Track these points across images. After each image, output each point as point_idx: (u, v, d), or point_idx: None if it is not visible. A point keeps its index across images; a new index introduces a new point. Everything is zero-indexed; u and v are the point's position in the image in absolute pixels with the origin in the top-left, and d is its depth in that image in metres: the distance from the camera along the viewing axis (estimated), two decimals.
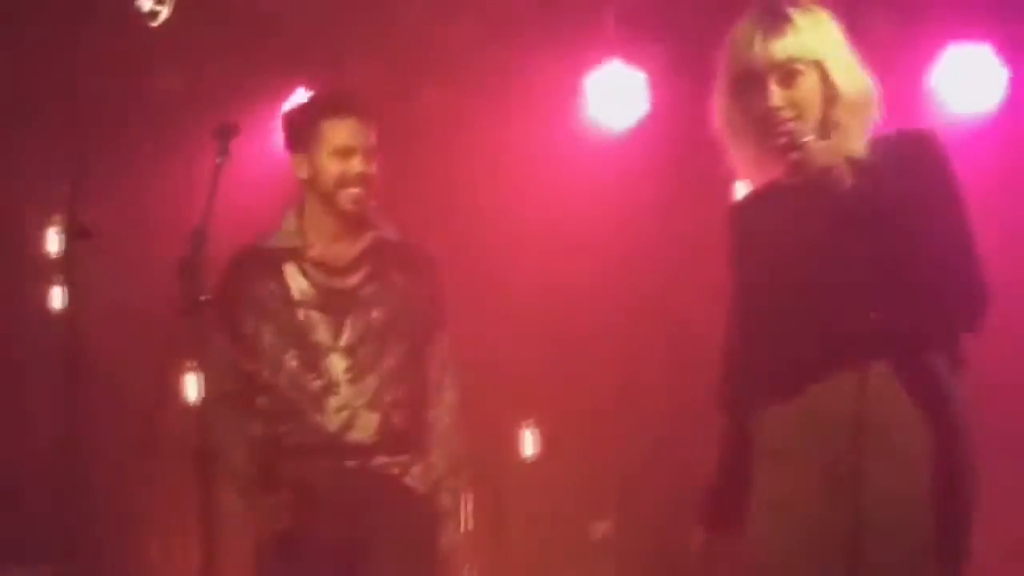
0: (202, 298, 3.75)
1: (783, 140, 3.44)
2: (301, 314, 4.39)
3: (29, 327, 6.91)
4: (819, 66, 3.49)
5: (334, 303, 4.40)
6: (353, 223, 4.44)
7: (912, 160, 3.45)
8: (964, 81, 6.76)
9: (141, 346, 5.31)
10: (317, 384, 4.35)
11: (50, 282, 6.96)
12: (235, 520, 4.37)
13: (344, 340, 4.37)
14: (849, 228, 3.37)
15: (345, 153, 4.40)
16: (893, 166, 3.40)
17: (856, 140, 3.47)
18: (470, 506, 4.57)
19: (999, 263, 6.69)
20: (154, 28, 4.68)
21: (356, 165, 4.40)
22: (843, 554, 3.35)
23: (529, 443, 7.41)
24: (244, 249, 4.50)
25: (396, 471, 4.41)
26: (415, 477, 4.44)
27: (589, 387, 7.21)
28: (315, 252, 4.45)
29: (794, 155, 3.42)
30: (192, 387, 6.69)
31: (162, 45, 6.26)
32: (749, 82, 3.51)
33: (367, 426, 4.35)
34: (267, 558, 4.42)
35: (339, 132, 4.41)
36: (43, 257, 6.96)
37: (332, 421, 4.34)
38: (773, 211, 3.55)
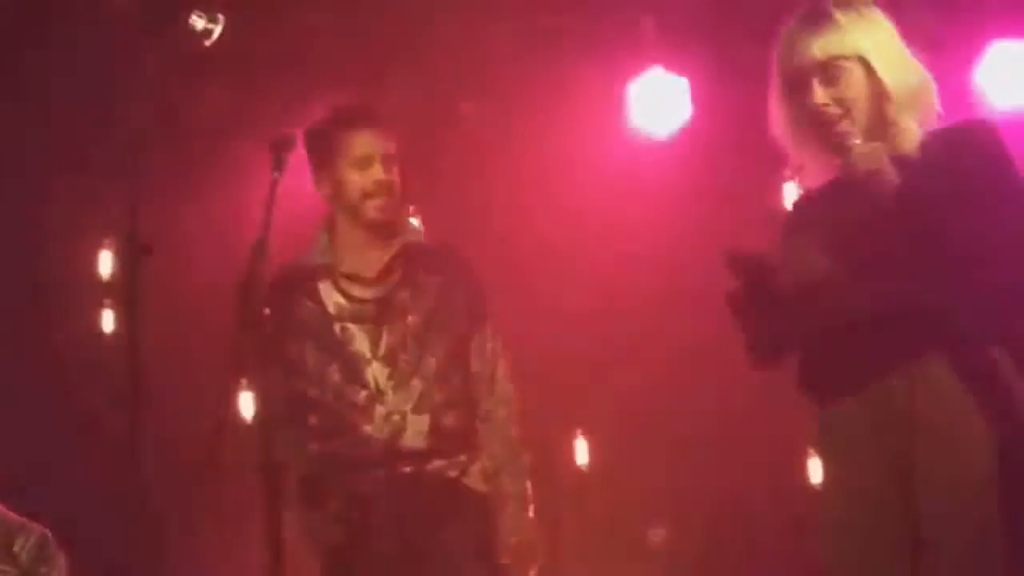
0: (265, 311, 3.77)
1: (835, 139, 3.49)
2: (338, 328, 4.41)
3: (86, 349, 6.96)
4: (864, 63, 3.51)
5: (369, 314, 4.41)
6: (381, 232, 4.45)
7: (963, 154, 3.44)
8: (1009, 78, 6.76)
9: (202, 365, 5.32)
10: (363, 395, 4.36)
11: (103, 304, 7.01)
12: (302, 536, 4.38)
13: (383, 349, 4.37)
14: (899, 227, 3.38)
15: (364, 163, 4.41)
16: (944, 162, 3.41)
17: (909, 137, 3.49)
18: (531, 491, 4.51)
19: None
20: (207, 46, 4.71)
21: (376, 173, 4.40)
22: (910, 543, 3.40)
23: (582, 452, 7.42)
24: (281, 271, 4.49)
25: (454, 473, 4.39)
26: (474, 477, 4.42)
27: (642, 394, 7.21)
28: (346, 266, 4.46)
29: (842, 158, 3.46)
30: (249, 404, 6.79)
31: (214, 62, 6.29)
32: (796, 83, 3.56)
33: (418, 430, 4.34)
34: (330, 572, 4.42)
35: (356, 143, 4.42)
36: (97, 278, 7.01)
37: (382, 429, 4.33)
38: (827, 211, 3.56)
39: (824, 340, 3.53)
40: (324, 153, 4.45)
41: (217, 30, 4.81)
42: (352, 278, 4.45)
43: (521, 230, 7.19)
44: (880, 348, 3.43)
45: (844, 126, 3.49)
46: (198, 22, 4.79)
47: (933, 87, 3.61)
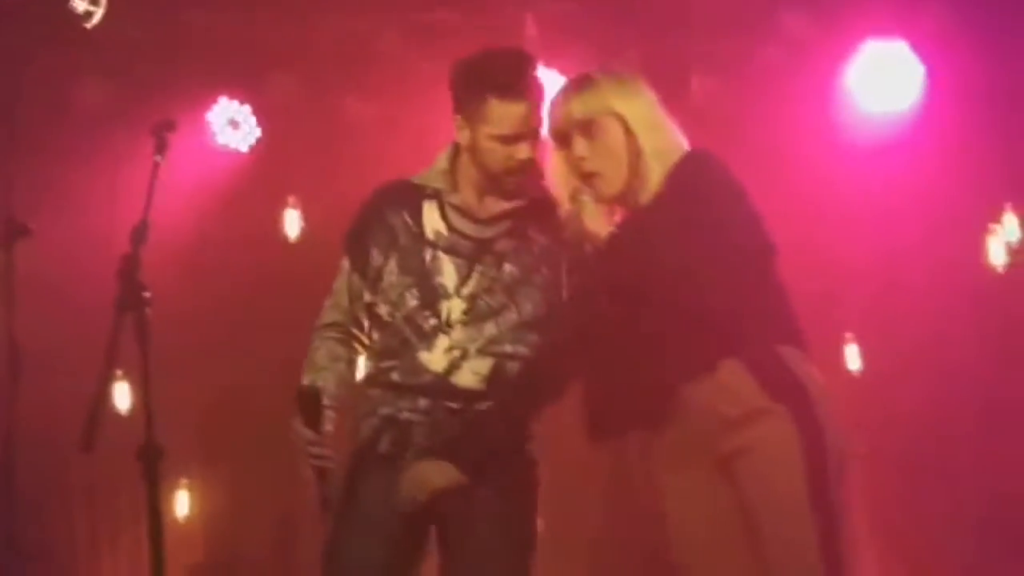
0: (144, 294, 3.72)
1: (581, 191, 3.79)
2: (429, 255, 4.18)
3: None
4: (622, 122, 3.77)
5: (466, 249, 4.17)
6: (507, 195, 4.19)
7: (679, 188, 3.71)
8: (881, 78, 6.91)
9: (81, 348, 5.28)
10: (431, 323, 4.14)
11: None
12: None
13: (469, 288, 4.14)
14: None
15: (510, 140, 4.10)
16: (667, 198, 3.71)
17: (648, 185, 3.76)
18: None
19: (920, 255, 6.92)
20: (86, 30, 4.66)
21: (521, 152, 4.10)
22: (746, 537, 3.65)
23: None
24: (390, 183, 4.29)
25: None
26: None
27: None
28: (459, 199, 4.21)
29: (569, 208, 3.81)
30: (123, 396, 6.76)
31: (92, 48, 6.26)
32: (562, 138, 3.82)
33: (476, 370, 4.10)
34: (354, 476, 4.20)
35: (507, 118, 4.10)
36: None
37: (439, 360, 4.11)
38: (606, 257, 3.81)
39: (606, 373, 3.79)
40: (469, 106, 4.12)
41: (98, 13, 4.74)
42: (461, 211, 4.19)
43: None
44: (676, 357, 3.67)
45: (591, 182, 3.77)
46: (79, 4, 4.72)
47: (683, 140, 3.85)
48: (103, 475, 6.64)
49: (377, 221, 4.25)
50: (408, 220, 4.23)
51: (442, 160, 4.27)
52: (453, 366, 4.13)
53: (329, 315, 4.31)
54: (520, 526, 4.18)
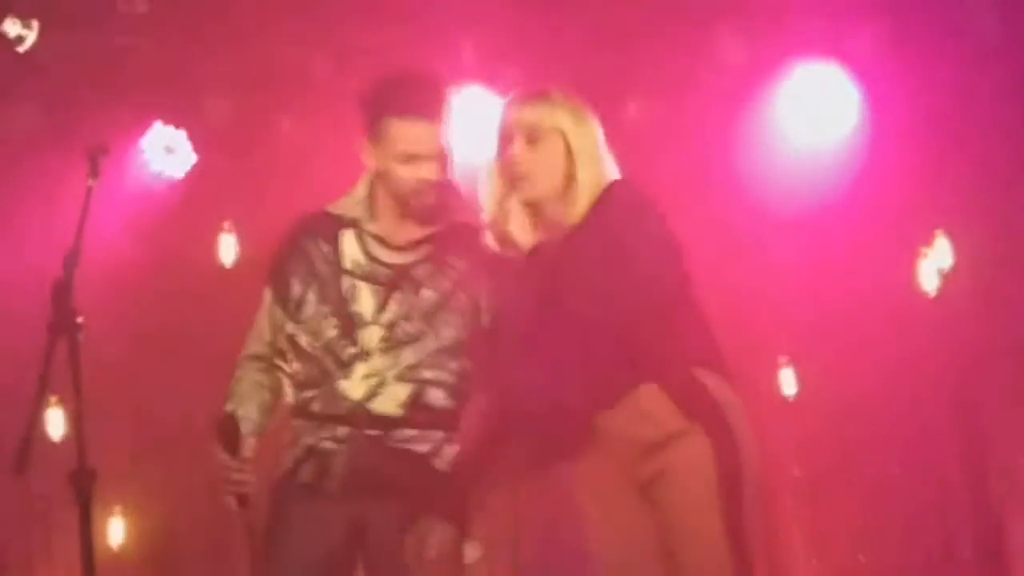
0: (77, 320, 3.70)
1: (513, 187, 3.84)
2: (347, 283, 4.18)
3: None
4: (564, 139, 3.85)
5: (383, 277, 4.17)
6: (421, 220, 4.18)
7: (602, 217, 3.77)
8: (813, 100, 6.96)
9: (13, 372, 5.24)
10: (350, 351, 4.13)
11: None
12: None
13: (386, 315, 4.14)
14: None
15: (411, 159, 4.13)
16: (598, 219, 3.77)
17: (574, 210, 3.82)
18: None
19: (853, 279, 6.97)
20: (18, 54, 4.63)
21: (423, 171, 4.12)
22: (661, 561, 3.72)
23: None
24: (309, 214, 4.29)
25: (425, 449, 4.14)
26: (446, 459, 4.17)
27: None
28: (377, 227, 4.22)
29: (494, 212, 3.86)
30: (57, 423, 6.71)
31: (25, 72, 6.23)
32: (504, 140, 3.89)
33: (394, 397, 4.10)
34: (280, 505, 4.20)
35: (406, 136, 4.13)
36: None
37: (357, 388, 4.11)
38: (526, 271, 3.85)
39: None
40: (372, 130, 4.16)
41: (31, 37, 4.71)
42: (378, 238, 4.20)
43: None
44: (593, 384, 3.73)
45: (519, 184, 3.82)
46: (11, 28, 4.68)
47: (615, 169, 3.92)
48: (36, 502, 6.59)
49: (296, 252, 4.25)
50: (326, 250, 4.23)
51: (360, 188, 4.27)
52: (371, 393, 4.13)
53: (252, 346, 4.32)
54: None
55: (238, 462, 4.12)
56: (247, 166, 7.29)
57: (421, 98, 4.16)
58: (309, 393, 4.20)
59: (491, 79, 6.94)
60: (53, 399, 5.88)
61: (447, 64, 6.88)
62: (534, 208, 3.85)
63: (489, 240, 3.91)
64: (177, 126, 7.24)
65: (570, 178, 3.84)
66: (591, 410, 3.74)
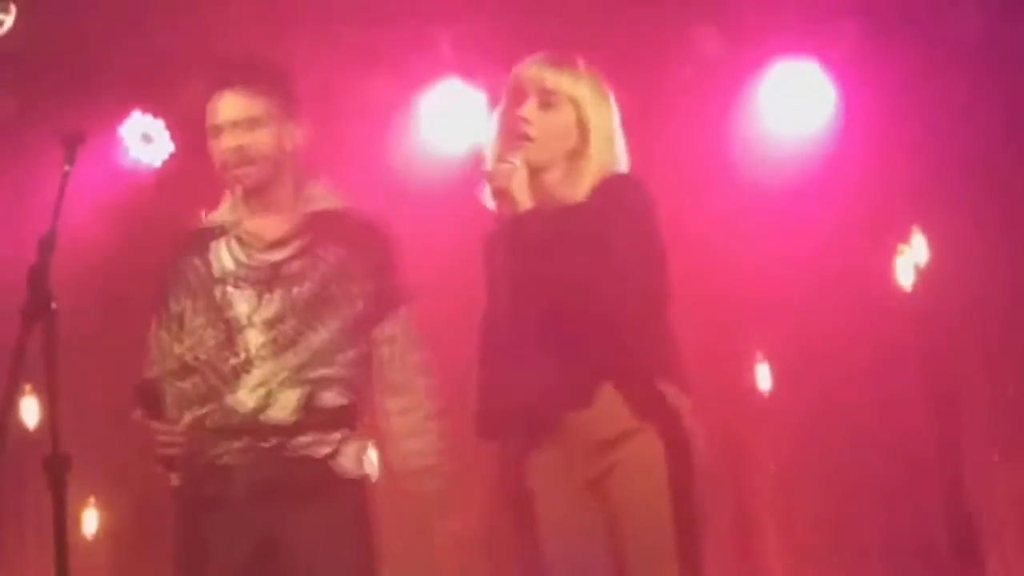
0: (52, 306, 3.69)
1: (517, 146, 3.78)
2: (220, 291, 4.20)
3: None
4: (578, 111, 3.82)
5: (255, 278, 4.19)
6: (275, 197, 4.25)
7: (603, 206, 3.75)
8: (791, 97, 6.97)
9: None
10: (233, 362, 4.14)
11: None
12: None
13: (262, 315, 4.15)
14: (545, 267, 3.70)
15: (216, 133, 4.21)
16: (603, 204, 3.74)
17: (583, 190, 3.79)
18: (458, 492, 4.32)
19: (830, 275, 6.99)
20: None
21: (225, 141, 4.20)
22: (609, 555, 3.73)
23: None
24: (181, 232, 4.36)
25: (324, 452, 4.14)
26: (349, 459, 4.18)
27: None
28: (245, 227, 4.25)
29: (496, 167, 3.79)
30: (31, 411, 6.68)
31: (2, 56, 6.20)
32: (516, 95, 3.85)
33: (286, 404, 4.10)
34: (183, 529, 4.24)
35: (212, 110, 4.23)
36: None
37: (248, 399, 4.12)
38: (507, 242, 3.79)
39: (507, 378, 3.78)
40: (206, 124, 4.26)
41: (8, 20, 4.69)
42: (247, 240, 4.23)
43: None
44: (559, 381, 3.71)
45: (523, 144, 3.77)
46: None
47: (625, 160, 3.91)
48: (9, 489, 6.56)
49: (172, 272, 4.29)
50: (198, 263, 4.26)
51: (228, 198, 4.31)
52: (263, 403, 4.14)
53: (158, 369, 4.31)
54: (357, 548, 4.17)
55: (164, 426, 4.11)
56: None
57: (227, 72, 4.24)
58: (202, 410, 4.18)
59: (469, 72, 6.93)
60: (27, 387, 5.84)
61: (425, 57, 6.88)
62: (535, 174, 3.80)
63: (485, 196, 3.84)
64: (155, 115, 7.21)
65: (577, 153, 3.79)
66: (563, 407, 3.73)
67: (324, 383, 4.15)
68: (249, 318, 4.17)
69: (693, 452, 3.68)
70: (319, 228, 4.24)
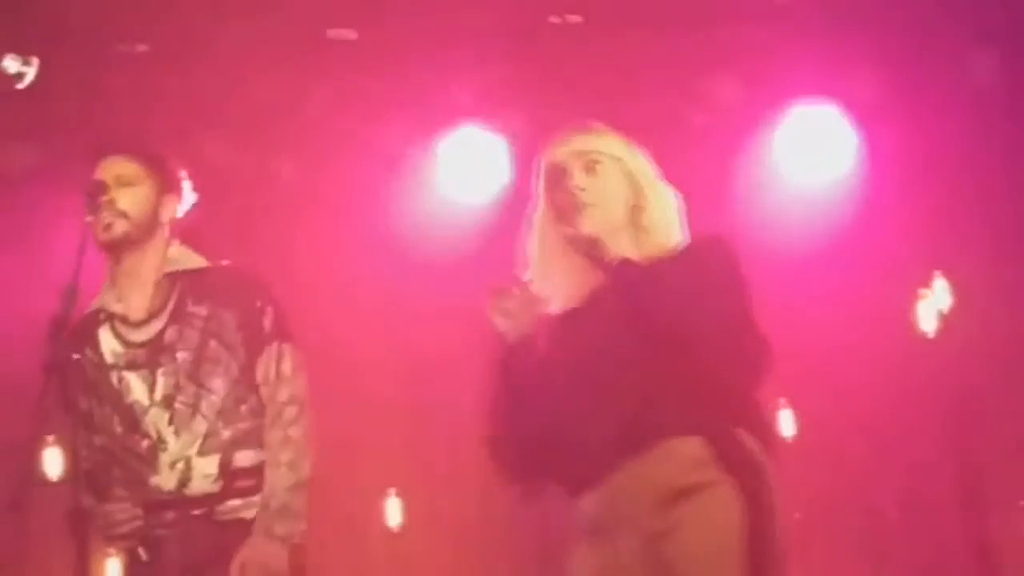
0: (74, 356, 3.70)
1: (580, 220, 3.67)
2: (115, 377, 4.24)
3: None
4: (622, 166, 3.74)
5: (143, 357, 4.23)
6: (135, 263, 4.27)
7: (700, 268, 3.64)
8: (810, 141, 6.96)
9: (8, 410, 5.21)
10: (144, 444, 4.18)
11: None
12: None
13: (159, 393, 4.19)
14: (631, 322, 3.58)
15: (94, 189, 4.22)
16: (685, 272, 3.63)
17: (657, 243, 3.72)
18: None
19: (852, 320, 6.96)
20: (16, 91, 4.64)
21: (104, 194, 4.21)
22: None
23: (394, 512, 7.40)
24: (74, 322, 4.21)
25: (251, 514, 4.16)
26: None
27: (450, 455, 7.22)
28: (118, 307, 4.29)
29: (574, 228, 3.66)
30: (55, 462, 6.67)
31: (22, 109, 6.24)
32: (558, 175, 3.74)
33: (206, 474, 4.15)
34: None
35: (98, 171, 4.30)
36: None
37: (168, 479, 4.15)
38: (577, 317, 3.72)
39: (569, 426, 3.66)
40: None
41: (31, 73, 4.71)
42: (124, 321, 4.27)
43: (322, 288, 7.18)
44: (635, 431, 3.58)
45: (587, 212, 3.67)
46: (11, 65, 4.68)
47: (681, 208, 3.83)
48: (33, 541, 6.56)
49: (70, 367, 4.18)
50: (90, 354, 4.28)
51: (107, 283, 4.33)
52: (184, 479, 4.17)
53: (74, 465, 4.15)
54: None
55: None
56: (245, 205, 7.28)
57: (110, 144, 4.37)
58: (123, 491, 4.19)
59: (488, 119, 6.95)
60: (50, 438, 5.85)
61: (443, 104, 6.89)
62: (594, 244, 3.69)
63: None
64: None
65: (637, 208, 3.73)
66: (622, 454, 3.59)
67: (234, 443, 4.19)
68: (147, 401, 4.21)
69: (775, 509, 3.53)
70: (184, 289, 4.29)
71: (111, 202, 4.21)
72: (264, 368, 4.25)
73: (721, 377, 3.58)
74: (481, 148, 7.01)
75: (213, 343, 4.23)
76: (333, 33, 6.83)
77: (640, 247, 3.71)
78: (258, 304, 4.30)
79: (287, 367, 4.27)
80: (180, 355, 4.21)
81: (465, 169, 7.07)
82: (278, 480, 4.15)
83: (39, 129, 6.74)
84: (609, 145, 3.77)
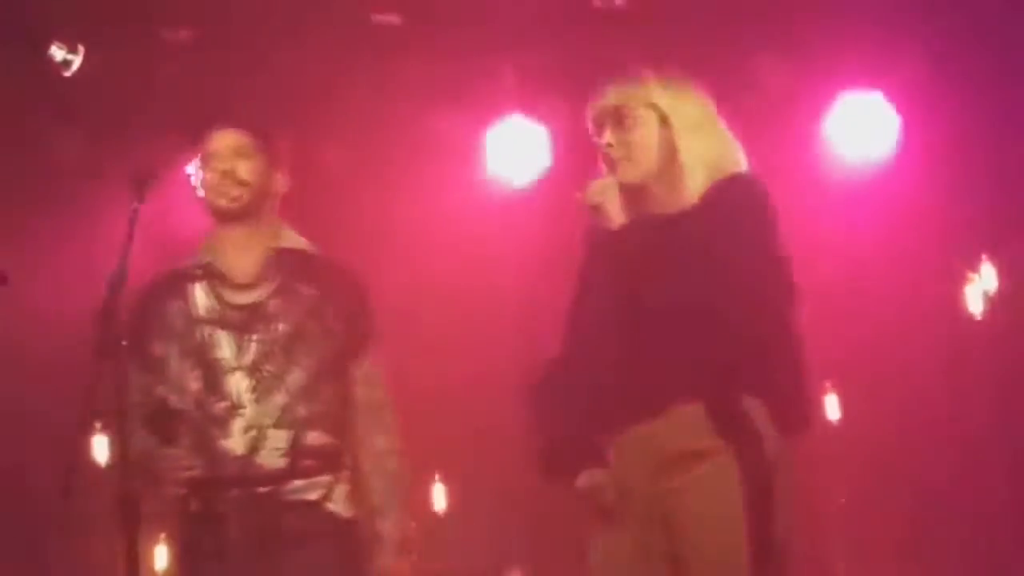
0: (122, 343, 3.72)
1: (617, 173, 3.71)
2: (203, 332, 4.25)
3: None
4: (659, 115, 3.73)
5: (238, 319, 4.25)
6: (249, 231, 4.33)
7: (714, 211, 3.63)
8: (857, 128, 6.94)
9: (57, 398, 5.25)
10: (221, 406, 4.19)
11: None
12: None
13: (248, 357, 4.21)
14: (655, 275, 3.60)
15: (212, 158, 4.32)
16: (712, 213, 3.62)
17: (692, 192, 3.69)
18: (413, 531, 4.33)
19: (899, 304, 6.94)
20: (64, 79, 4.66)
21: (221, 164, 4.30)
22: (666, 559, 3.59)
23: (440, 497, 7.42)
24: (159, 273, 4.40)
25: (316, 496, 4.21)
26: (340, 502, 4.24)
27: (498, 439, 7.23)
28: (221, 268, 4.32)
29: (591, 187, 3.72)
30: (102, 449, 6.71)
31: (70, 97, 6.26)
32: (596, 127, 3.78)
33: (277, 446, 4.16)
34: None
35: (212, 141, 4.35)
36: None
37: (239, 443, 4.15)
38: (608, 250, 3.72)
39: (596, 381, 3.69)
40: (199, 156, 4.39)
41: (77, 61, 4.74)
42: (225, 281, 4.30)
43: (380, 276, 7.19)
44: (644, 393, 3.60)
45: (615, 167, 3.70)
46: (58, 52, 4.71)
47: (742, 159, 3.81)
48: (80, 526, 6.61)
49: (152, 314, 4.30)
50: (179, 305, 4.30)
51: (204, 242, 4.40)
52: (254, 447, 4.18)
53: (134, 417, 4.11)
54: None
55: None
56: (290, 192, 7.29)
57: (220, 114, 4.43)
58: (197, 458, 4.18)
59: (531, 108, 6.95)
60: (98, 424, 5.90)
61: (489, 93, 6.89)
62: (638, 191, 3.72)
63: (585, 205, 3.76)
64: None
65: (669, 157, 3.71)
66: (634, 419, 3.63)
67: (308, 422, 4.21)
68: (233, 362, 4.23)
69: (775, 484, 3.55)
70: (290, 266, 4.33)
71: (231, 171, 4.28)
72: (365, 368, 4.32)
73: (738, 333, 3.56)
74: (526, 136, 7.01)
75: (313, 324, 4.26)
76: (378, 18, 6.84)
77: (671, 196, 3.70)
78: (363, 302, 4.38)
79: (383, 372, 4.36)
80: (280, 326, 4.24)
81: (510, 157, 7.07)
82: (390, 489, 4.28)
83: (86, 116, 6.78)
84: (647, 94, 3.75)
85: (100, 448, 6.68)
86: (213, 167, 4.32)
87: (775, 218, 3.69)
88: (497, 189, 7.18)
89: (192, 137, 4.40)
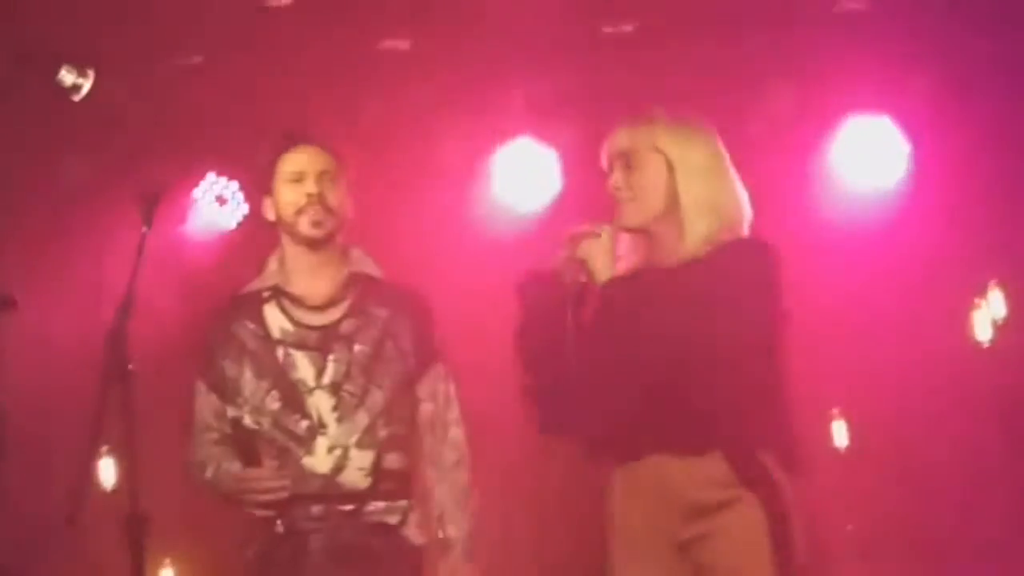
0: (129, 367, 3.72)
1: (621, 215, 3.78)
2: (281, 352, 4.27)
3: None
4: (666, 160, 3.75)
5: (315, 340, 4.27)
6: (319, 249, 4.32)
7: (734, 271, 3.67)
8: (864, 153, 6.94)
9: (65, 420, 5.26)
10: (303, 425, 4.21)
11: None
12: None
13: (327, 377, 4.24)
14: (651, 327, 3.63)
15: (297, 179, 4.30)
16: (715, 274, 3.65)
17: (693, 241, 3.73)
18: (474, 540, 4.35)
19: (906, 330, 6.93)
20: (73, 103, 4.67)
21: (308, 187, 4.28)
22: None
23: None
24: (230, 297, 4.41)
25: (394, 520, 4.24)
26: (413, 527, 4.27)
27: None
28: (294, 290, 4.33)
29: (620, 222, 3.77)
30: (108, 472, 6.72)
31: (79, 121, 6.27)
32: (608, 168, 3.83)
33: (360, 466, 4.19)
34: None
35: (290, 161, 4.33)
36: None
37: (323, 462, 4.19)
38: (600, 303, 3.76)
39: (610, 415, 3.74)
40: (267, 178, 4.37)
41: (87, 85, 4.74)
42: (299, 303, 4.32)
43: None
44: (658, 438, 3.66)
45: (628, 209, 3.75)
46: (68, 76, 4.72)
47: (746, 209, 3.85)
48: (88, 550, 6.60)
49: (223, 336, 4.33)
50: (252, 327, 4.32)
51: (271, 262, 4.40)
52: (338, 466, 4.21)
53: (199, 451, 4.32)
54: None
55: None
56: None
57: (300, 132, 4.41)
58: (276, 463, 4.21)
59: (540, 131, 6.95)
60: (104, 448, 5.90)
61: (496, 116, 6.90)
62: (640, 236, 3.77)
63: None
64: (230, 177, 7.28)
65: (673, 202, 3.75)
66: (665, 446, 3.67)
67: (388, 444, 4.24)
68: (315, 381, 4.24)
69: (794, 527, 3.62)
70: (362, 289, 4.34)
71: (321, 196, 4.28)
72: (431, 385, 4.35)
73: (740, 390, 3.63)
74: (534, 159, 7.01)
75: (390, 344, 4.29)
76: (386, 43, 6.86)
77: (678, 237, 3.73)
78: (429, 322, 4.39)
79: (452, 388, 4.39)
80: (357, 347, 4.26)
81: (518, 181, 7.07)
82: (457, 499, 4.31)
83: (96, 140, 6.80)
84: (655, 137, 3.78)
85: (107, 471, 6.72)
86: (296, 187, 4.31)
87: (778, 286, 3.74)
88: (505, 212, 7.18)
89: (269, 149, 4.38)
